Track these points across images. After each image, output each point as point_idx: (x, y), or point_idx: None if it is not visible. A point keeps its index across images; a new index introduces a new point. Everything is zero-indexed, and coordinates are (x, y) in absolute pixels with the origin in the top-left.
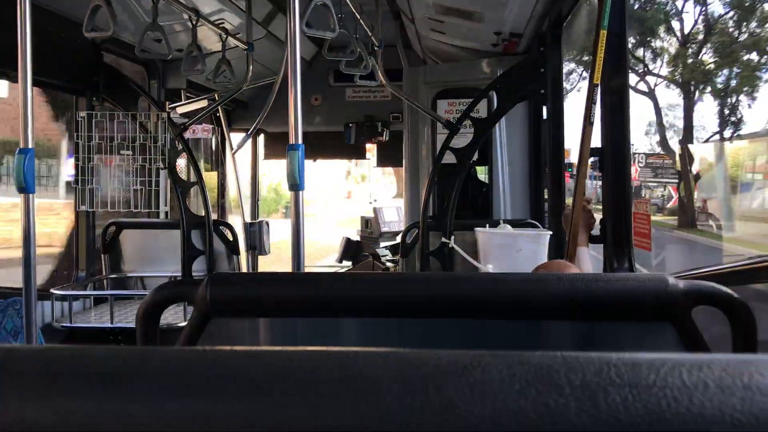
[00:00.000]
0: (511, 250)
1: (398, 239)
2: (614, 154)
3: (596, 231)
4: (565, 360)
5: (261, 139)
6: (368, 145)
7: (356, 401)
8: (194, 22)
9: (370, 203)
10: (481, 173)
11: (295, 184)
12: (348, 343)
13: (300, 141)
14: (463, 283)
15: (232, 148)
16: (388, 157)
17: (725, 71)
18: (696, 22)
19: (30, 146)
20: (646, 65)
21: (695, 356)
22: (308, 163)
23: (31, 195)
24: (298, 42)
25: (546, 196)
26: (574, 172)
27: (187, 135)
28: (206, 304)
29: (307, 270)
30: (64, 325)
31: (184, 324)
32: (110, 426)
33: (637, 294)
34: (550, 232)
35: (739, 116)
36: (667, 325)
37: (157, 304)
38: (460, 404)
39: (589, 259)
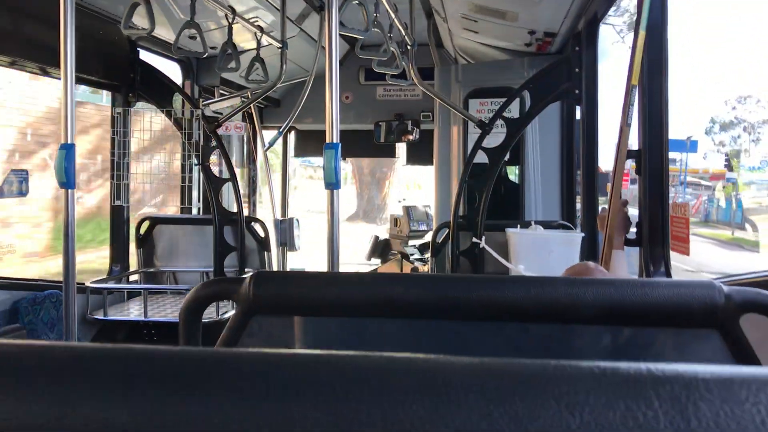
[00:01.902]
0: (542, 251)
1: (427, 238)
2: (652, 156)
3: (632, 234)
4: (651, 372)
5: (291, 136)
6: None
7: (437, 409)
8: (230, 20)
9: (399, 202)
10: (512, 173)
11: (332, 183)
12: (390, 342)
13: (337, 140)
14: (506, 286)
15: (263, 145)
16: (418, 157)
17: None
18: None
19: (71, 142)
20: None
21: None
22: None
23: (71, 191)
24: (335, 41)
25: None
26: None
27: (220, 132)
28: (249, 302)
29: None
30: (98, 317)
31: (217, 320)
32: (185, 427)
33: (683, 300)
34: (583, 234)
35: None
36: (713, 332)
37: (202, 299)
38: (546, 415)
39: (625, 263)
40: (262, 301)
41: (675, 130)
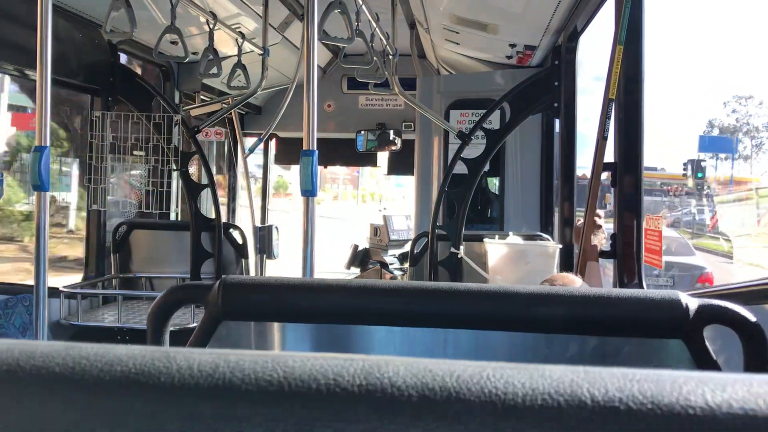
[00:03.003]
0: (519, 262)
1: (406, 248)
2: (627, 169)
3: (606, 246)
4: (587, 374)
5: (272, 143)
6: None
7: (376, 408)
8: (211, 26)
9: (380, 211)
10: (492, 184)
11: (309, 190)
12: (358, 350)
13: (314, 147)
14: (474, 294)
15: (244, 152)
16: (399, 166)
17: None
18: None
19: (46, 144)
20: None
21: (719, 375)
22: None
23: (45, 193)
24: (315, 49)
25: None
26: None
27: (200, 137)
28: (218, 307)
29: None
30: (72, 322)
31: (193, 326)
32: (138, 424)
33: (649, 311)
34: (560, 246)
35: None
36: (678, 342)
37: (169, 305)
38: (481, 414)
39: (600, 275)
40: (230, 306)
41: (671, 136)
